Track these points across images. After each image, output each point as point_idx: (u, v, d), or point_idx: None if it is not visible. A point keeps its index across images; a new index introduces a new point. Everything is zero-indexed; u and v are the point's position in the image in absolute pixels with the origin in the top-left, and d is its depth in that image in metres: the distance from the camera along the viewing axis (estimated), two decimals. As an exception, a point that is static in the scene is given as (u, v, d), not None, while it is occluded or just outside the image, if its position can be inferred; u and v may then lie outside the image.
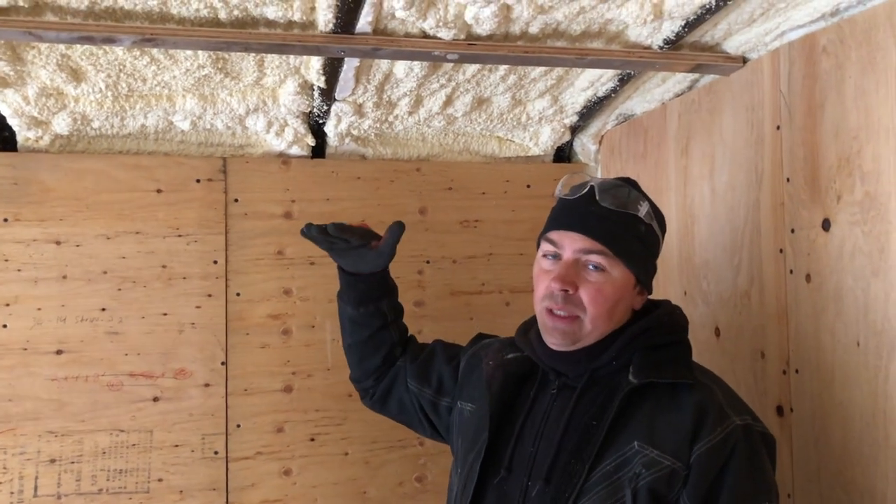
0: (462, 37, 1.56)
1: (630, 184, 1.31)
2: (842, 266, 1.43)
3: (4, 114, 1.82)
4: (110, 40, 1.44)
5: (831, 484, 1.46)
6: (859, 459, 1.40)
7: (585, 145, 2.28)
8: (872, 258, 1.37)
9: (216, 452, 1.99)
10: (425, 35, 1.56)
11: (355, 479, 2.08)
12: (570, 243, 1.27)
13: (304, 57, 1.69)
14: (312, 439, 2.06)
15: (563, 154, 2.30)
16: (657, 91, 1.96)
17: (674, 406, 1.23)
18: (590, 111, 2.07)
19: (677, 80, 1.89)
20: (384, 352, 1.58)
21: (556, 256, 1.29)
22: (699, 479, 1.17)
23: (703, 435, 1.18)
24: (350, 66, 1.69)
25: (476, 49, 1.57)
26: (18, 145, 1.94)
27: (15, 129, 1.89)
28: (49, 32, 1.40)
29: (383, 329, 1.57)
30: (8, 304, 1.90)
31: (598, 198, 1.26)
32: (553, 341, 1.29)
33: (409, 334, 1.65)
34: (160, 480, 1.96)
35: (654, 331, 1.30)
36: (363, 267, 1.52)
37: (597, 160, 2.30)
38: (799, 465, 1.54)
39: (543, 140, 2.20)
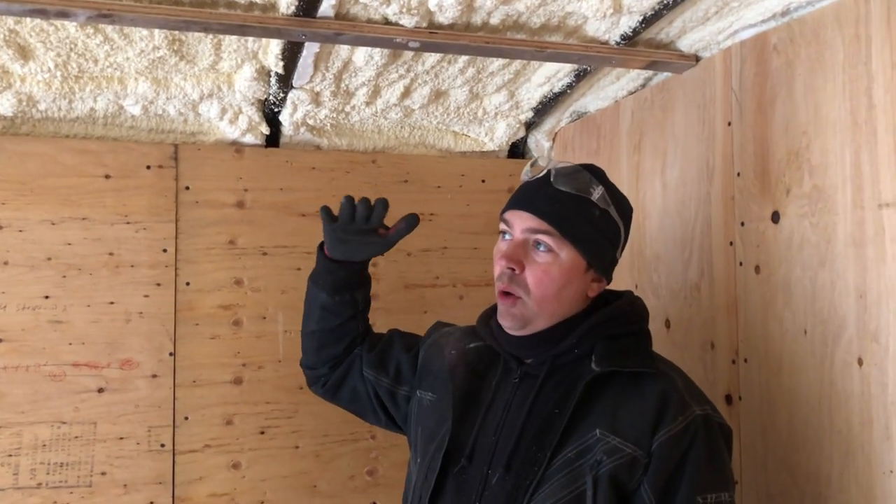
0: (424, 25, 1.56)
1: (590, 170, 1.32)
2: (790, 257, 1.48)
3: (-55, 92, 1.75)
4: (64, 14, 1.40)
5: (778, 469, 1.50)
6: (804, 444, 1.45)
7: (539, 142, 2.30)
8: (820, 248, 1.42)
9: (163, 445, 1.94)
10: (388, 21, 1.56)
11: (306, 473, 2.05)
12: (520, 222, 1.28)
13: (263, 41, 1.68)
14: (262, 432, 2.03)
15: (518, 150, 2.32)
16: (611, 88, 2.00)
17: (636, 394, 1.23)
18: (545, 107, 2.10)
19: (631, 78, 1.93)
20: (347, 342, 1.55)
21: (508, 236, 1.30)
22: (660, 467, 1.17)
23: (664, 423, 1.19)
24: (310, 51, 1.67)
25: (438, 38, 1.57)
26: (-42, 126, 1.87)
27: (-45, 108, 1.82)
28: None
29: (352, 319, 1.54)
30: (-56, 291, 1.83)
31: (552, 180, 1.27)
32: (506, 324, 1.30)
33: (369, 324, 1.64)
34: (104, 474, 1.90)
35: (617, 320, 1.30)
36: (358, 255, 1.48)
37: (550, 157, 2.33)
38: (747, 452, 1.58)
39: (498, 136, 2.22)
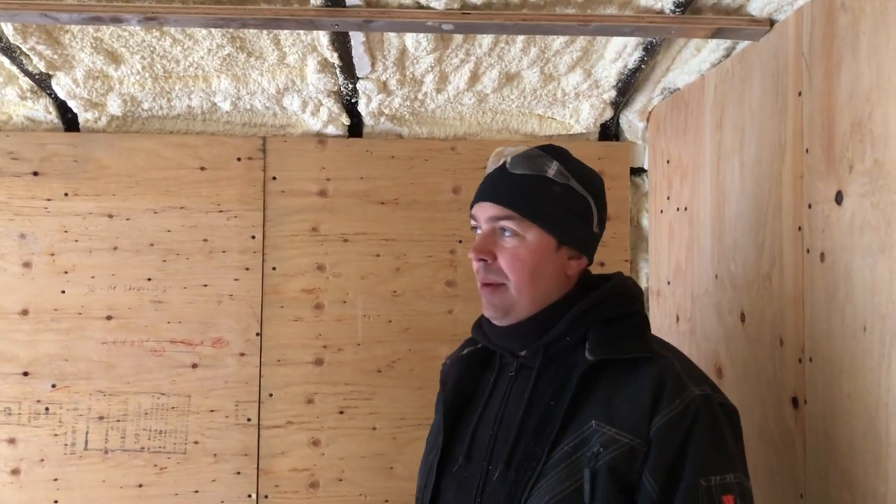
0: (456, 6, 1.54)
1: (546, 149, 1.28)
2: (852, 243, 1.30)
3: (61, 96, 1.98)
4: (117, 20, 1.53)
5: (839, 483, 1.32)
6: (863, 457, 1.26)
7: (632, 122, 2.18)
8: (879, 233, 1.23)
9: (249, 419, 2.07)
10: (419, 5, 1.55)
11: (382, 454, 2.10)
12: (483, 213, 1.27)
13: (315, 33, 1.73)
14: (341, 412, 2.10)
15: (609, 131, 2.21)
16: (693, 62, 1.84)
17: (631, 380, 1.18)
18: (627, 85, 1.98)
19: (711, 49, 1.76)
20: None
21: (479, 230, 1.29)
22: (660, 453, 1.12)
23: (661, 408, 1.14)
24: (357, 41, 1.70)
25: (470, 18, 1.54)
26: (80, 126, 2.10)
27: (75, 110, 2.05)
28: (62, 14, 1.51)
29: None
30: (66, 272, 2.07)
31: (508, 166, 1.25)
32: (490, 314, 1.28)
33: None
34: (196, 443, 2.06)
35: (608, 304, 1.25)
36: None
37: (644, 138, 2.19)
38: (811, 462, 1.41)
39: (584, 117, 2.12)
